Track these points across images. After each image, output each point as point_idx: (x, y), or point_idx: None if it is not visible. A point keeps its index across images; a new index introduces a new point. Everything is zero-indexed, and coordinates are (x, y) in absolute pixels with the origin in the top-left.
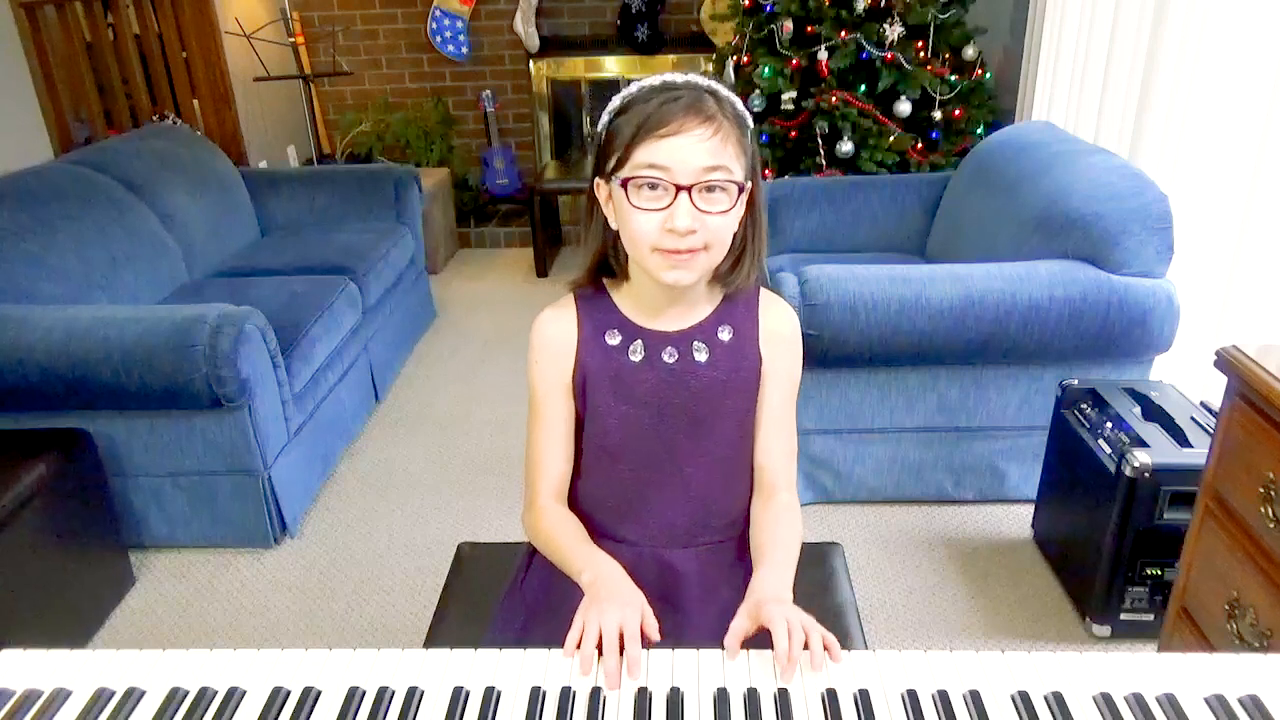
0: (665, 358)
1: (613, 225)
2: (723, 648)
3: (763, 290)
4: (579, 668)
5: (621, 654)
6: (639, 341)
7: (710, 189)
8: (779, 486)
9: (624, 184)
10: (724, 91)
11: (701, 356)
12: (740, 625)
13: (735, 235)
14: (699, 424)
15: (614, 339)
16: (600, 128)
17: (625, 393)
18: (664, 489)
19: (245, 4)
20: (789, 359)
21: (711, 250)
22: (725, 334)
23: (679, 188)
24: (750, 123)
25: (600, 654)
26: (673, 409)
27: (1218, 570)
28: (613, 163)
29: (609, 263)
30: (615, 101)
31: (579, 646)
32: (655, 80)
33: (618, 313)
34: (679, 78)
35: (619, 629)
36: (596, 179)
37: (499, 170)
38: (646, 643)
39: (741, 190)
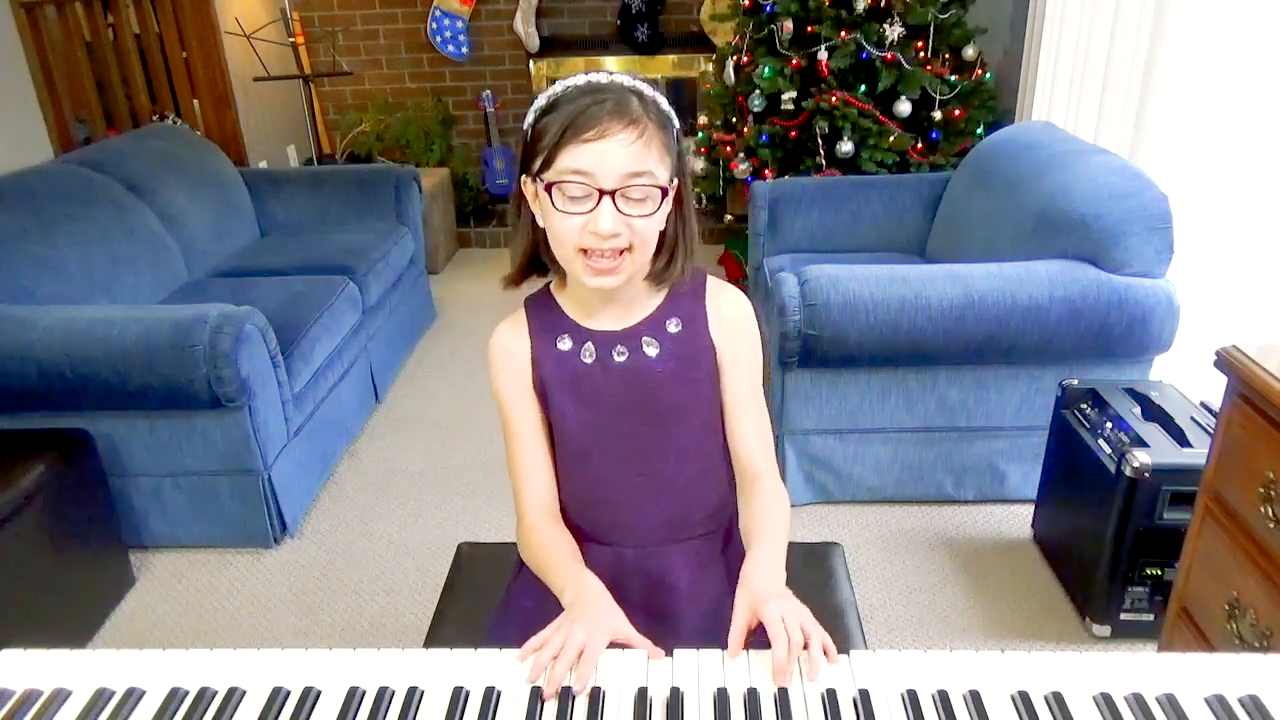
0: (616, 357)
1: (540, 223)
2: (717, 646)
3: (709, 278)
4: (529, 673)
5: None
6: (589, 344)
7: (634, 192)
8: (760, 471)
9: (548, 187)
10: (649, 92)
11: (652, 351)
12: (740, 623)
13: (665, 232)
14: (662, 419)
15: (565, 344)
16: (526, 125)
17: (584, 396)
18: (637, 488)
19: (245, 4)
20: (744, 342)
21: (636, 252)
22: (674, 326)
23: (602, 192)
24: (675, 122)
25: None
26: (633, 407)
27: (1218, 570)
28: (538, 163)
29: (539, 259)
30: (541, 100)
31: (537, 651)
32: (581, 80)
33: (566, 317)
34: (604, 78)
35: (580, 647)
36: (524, 176)
37: (499, 170)
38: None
39: (665, 194)
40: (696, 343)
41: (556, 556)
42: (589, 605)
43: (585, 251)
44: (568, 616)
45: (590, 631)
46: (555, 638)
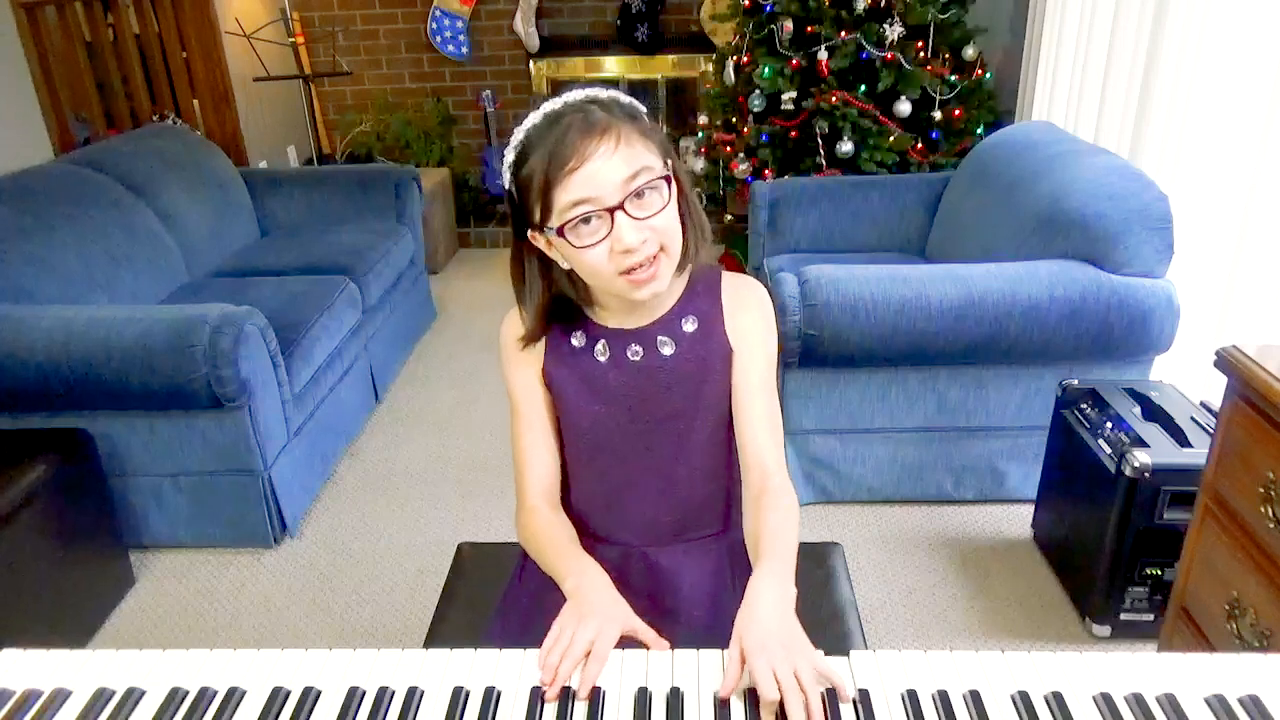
0: (630, 355)
1: (563, 266)
2: (717, 645)
3: (725, 274)
4: (544, 677)
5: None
6: (603, 342)
7: (640, 194)
8: (768, 469)
9: (560, 231)
10: (604, 94)
11: (667, 350)
12: (734, 666)
13: None
14: (674, 418)
15: (578, 340)
16: (507, 185)
17: (596, 393)
18: (644, 486)
19: (245, 4)
20: (759, 330)
21: (669, 249)
22: (690, 324)
23: (611, 210)
24: (642, 110)
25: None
26: (646, 406)
27: (1218, 570)
28: (538, 214)
29: (560, 303)
30: (509, 155)
31: (550, 658)
32: (537, 117)
33: (580, 314)
34: (557, 104)
35: (589, 645)
36: (529, 232)
37: (499, 170)
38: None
39: (669, 180)
40: (712, 341)
41: (557, 541)
42: (592, 597)
43: (625, 271)
44: (573, 611)
45: (601, 628)
46: (563, 638)
